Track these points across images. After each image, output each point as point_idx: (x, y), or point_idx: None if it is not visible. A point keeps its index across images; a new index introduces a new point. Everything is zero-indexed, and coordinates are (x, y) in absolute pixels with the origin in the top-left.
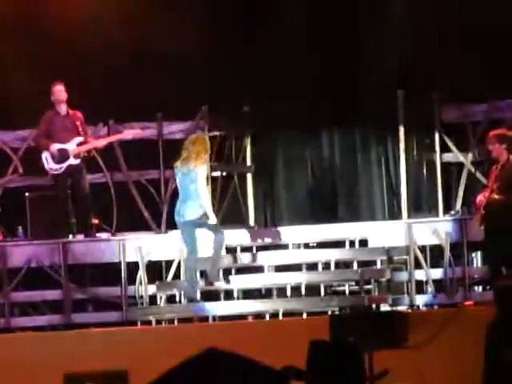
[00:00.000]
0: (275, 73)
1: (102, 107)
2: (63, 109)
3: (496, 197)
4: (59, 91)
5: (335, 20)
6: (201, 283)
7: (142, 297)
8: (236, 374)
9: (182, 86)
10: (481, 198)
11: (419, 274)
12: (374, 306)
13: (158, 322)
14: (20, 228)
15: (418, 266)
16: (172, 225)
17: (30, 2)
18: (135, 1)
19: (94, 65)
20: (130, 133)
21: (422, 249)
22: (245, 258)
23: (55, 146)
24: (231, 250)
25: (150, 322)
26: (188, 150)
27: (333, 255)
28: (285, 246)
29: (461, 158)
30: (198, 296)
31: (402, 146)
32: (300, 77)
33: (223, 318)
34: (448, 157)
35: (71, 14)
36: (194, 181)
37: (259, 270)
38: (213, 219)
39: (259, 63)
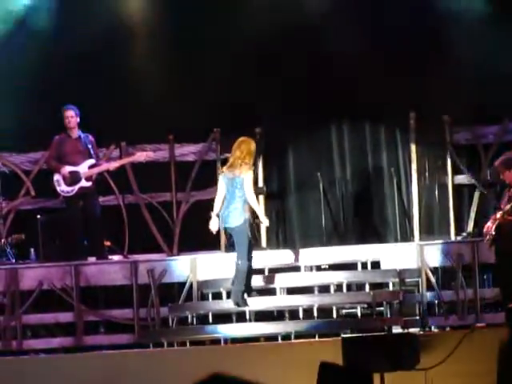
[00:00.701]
0: (287, 96)
1: (114, 129)
2: (74, 132)
3: (508, 218)
4: (68, 117)
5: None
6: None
7: (153, 319)
8: None
9: (194, 108)
10: (489, 225)
11: (431, 296)
12: (386, 328)
13: (170, 344)
14: (32, 250)
15: (429, 287)
16: (184, 247)
17: None
18: None
19: (108, 87)
20: (143, 155)
21: (434, 271)
22: (257, 280)
23: (67, 169)
24: None
25: (161, 345)
26: (234, 155)
27: (345, 277)
28: (297, 268)
29: (472, 180)
30: (244, 302)
31: (414, 167)
32: (313, 100)
33: (235, 340)
34: (460, 179)
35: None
36: (239, 186)
37: (271, 292)
38: (265, 222)
39: (272, 87)
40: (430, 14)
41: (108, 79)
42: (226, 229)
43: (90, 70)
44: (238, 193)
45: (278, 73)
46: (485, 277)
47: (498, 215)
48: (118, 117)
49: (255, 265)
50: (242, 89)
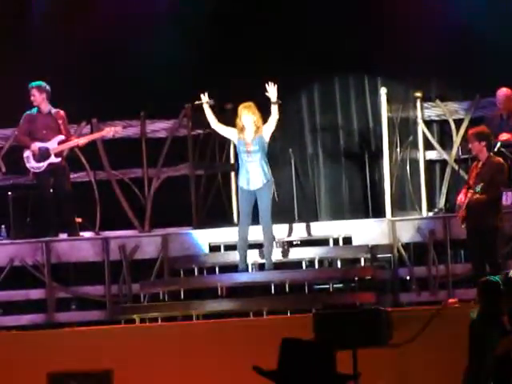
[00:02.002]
0: (258, 72)
1: (86, 106)
2: (44, 108)
3: (477, 196)
4: (32, 96)
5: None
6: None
7: (125, 295)
8: None
9: (166, 84)
10: (461, 197)
11: (403, 272)
12: (357, 304)
13: (142, 320)
14: (3, 227)
15: (401, 263)
16: (155, 223)
17: None
18: None
19: (79, 63)
20: (111, 130)
21: (406, 246)
22: (229, 256)
23: (36, 145)
24: (215, 248)
25: (133, 321)
26: (248, 120)
27: (317, 253)
28: None
29: (444, 155)
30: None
31: (385, 142)
32: (286, 74)
33: (207, 316)
34: (431, 154)
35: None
36: (259, 147)
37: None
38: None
39: (244, 62)
40: None
41: (81, 54)
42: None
43: (63, 43)
44: (257, 154)
45: (248, 46)
46: (456, 253)
47: (469, 194)
48: (91, 93)
49: (227, 241)
50: (213, 64)
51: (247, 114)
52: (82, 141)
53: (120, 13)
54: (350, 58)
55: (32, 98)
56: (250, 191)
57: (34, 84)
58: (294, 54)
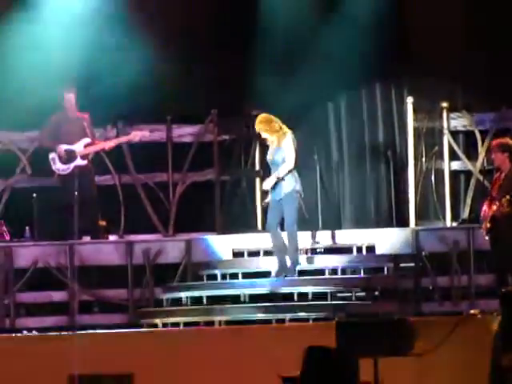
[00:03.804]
0: (287, 77)
1: (112, 109)
2: (72, 111)
3: (502, 210)
4: (69, 100)
5: None
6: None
7: (148, 299)
8: None
9: (192, 89)
10: (485, 208)
11: (426, 282)
12: (380, 313)
13: (164, 325)
14: (27, 229)
15: (424, 273)
16: (179, 228)
17: None
18: None
19: (105, 66)
20: (138, 134)
21: (429, 256)
22: (252, 263)
23: (62, 147)
24: (239, 254)
25: (155, 325)
26: (271, 130)
27: (340, 261)
28: None
29: (469, 166)
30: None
31: (411, 152)
32: (311, 81)
33: (229, 322)
34: (456, 165)
35: None
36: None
37: (266, 274)
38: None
39: (271, 67)
40: None
41: (108, 59)
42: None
43: (90, 48)
44: (275, 166)
45: (277, 53)
46: (480, 263)
47: (494, 206)
48: (117, 96)
49: (250, 247)
50: (241, 71)
51: (258, 131)
52: (109, 144)
53: None
54: (376, 67)
55: (70, 102)
56: (275, 200)
57: (72, 89)
58: (322, 63)
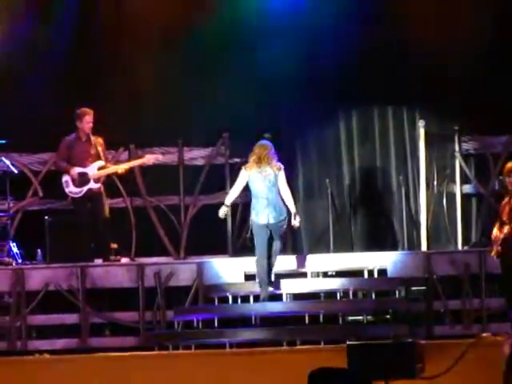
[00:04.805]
0: (297, 100)
1: (123, 132)
2: (85, 134)
3: None
4: (89, 121)
5: None
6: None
7: (159, 322)
8: None
9: (204, 112)
10: (496, 232)
11: (437, 305)
12: (391, 336)
13: (175, 347)
14: (39, 251)
15: (436, 296)
16: (191, 251)
17: None
18: None
19: (117, 90)
20: (152, 158)
21: (441, 279)
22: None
23: (76, 170)
24: (250, 277)
25: (166, 348)
26: (259, 152)
27: (351, 284)
28: (304, 274)
29: (481, 189)
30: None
31: (422, 176)
32: (324, 104)
33: (240, 344)
34: (468, 188)
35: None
36: (273, 182)
37: (278, 297)
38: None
39: (281, 91)
40: None
41: (119, 81)
42: (267, 225)
43: (102, 72)
44: (273, 189)
45: (286, 76)
46: (491, 287)
47: (505, 229)
48: (128, 120)
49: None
50: (251, 94)
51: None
52: (123, 167)
53: None
54: (389, 90)
55: (89, 124)
56: None
57: (91, 111)
58: (334, 84)
